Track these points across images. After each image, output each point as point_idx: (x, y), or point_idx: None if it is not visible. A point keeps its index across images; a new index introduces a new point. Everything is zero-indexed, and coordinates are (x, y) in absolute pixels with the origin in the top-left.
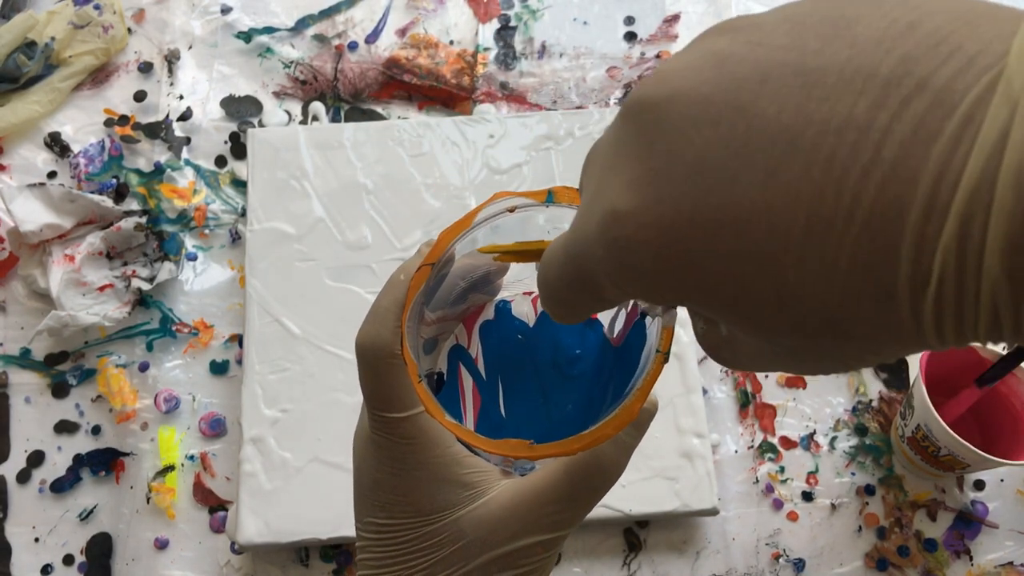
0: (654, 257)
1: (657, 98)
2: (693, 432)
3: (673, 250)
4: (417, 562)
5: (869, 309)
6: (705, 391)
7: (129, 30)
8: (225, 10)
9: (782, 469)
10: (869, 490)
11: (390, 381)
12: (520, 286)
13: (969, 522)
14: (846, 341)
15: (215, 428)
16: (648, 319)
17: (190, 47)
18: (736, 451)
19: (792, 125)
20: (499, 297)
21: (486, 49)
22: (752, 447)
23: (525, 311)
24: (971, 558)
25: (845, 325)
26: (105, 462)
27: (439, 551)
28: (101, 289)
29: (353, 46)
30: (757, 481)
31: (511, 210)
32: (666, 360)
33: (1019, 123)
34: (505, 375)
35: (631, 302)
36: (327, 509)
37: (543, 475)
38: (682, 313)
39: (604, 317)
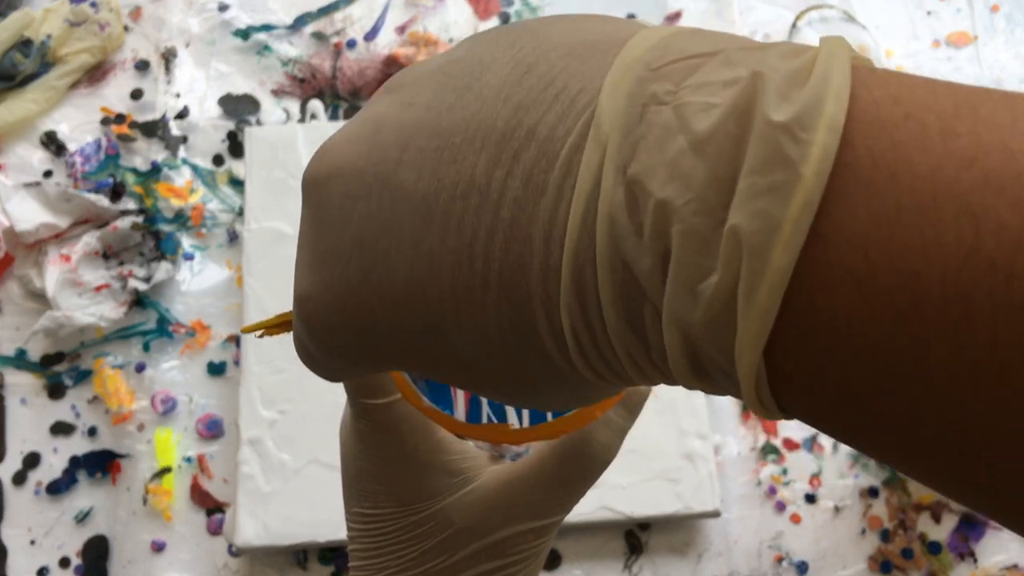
0: (336, 338)
1: (319, 177)
2: (695, 434)
3: (353, 331)
4: (405, 552)
5: (532, 365)
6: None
7: (126, 28)
8: (223, 8)
9: (785, 471)
10: (873, 492)
11: None
12: None
13: (973, 524)
14: (536, 392)
15: (212, 429)
16: None
17: (187, 45)
18: (738, 453)
19: (428, 192)
20: None
21: None
22: (755, 449)
23: None
24: (976, 560)
25: (523, 380)
26: (101, 464)
27: (427, 540)
28: (97, 289)
29: (352, 44)
30: (760, 483)
31: None
32: None
33: (608, 168)
34: None
35: None
36: (325, 511)
37: (532, 460)
38: None
39: None
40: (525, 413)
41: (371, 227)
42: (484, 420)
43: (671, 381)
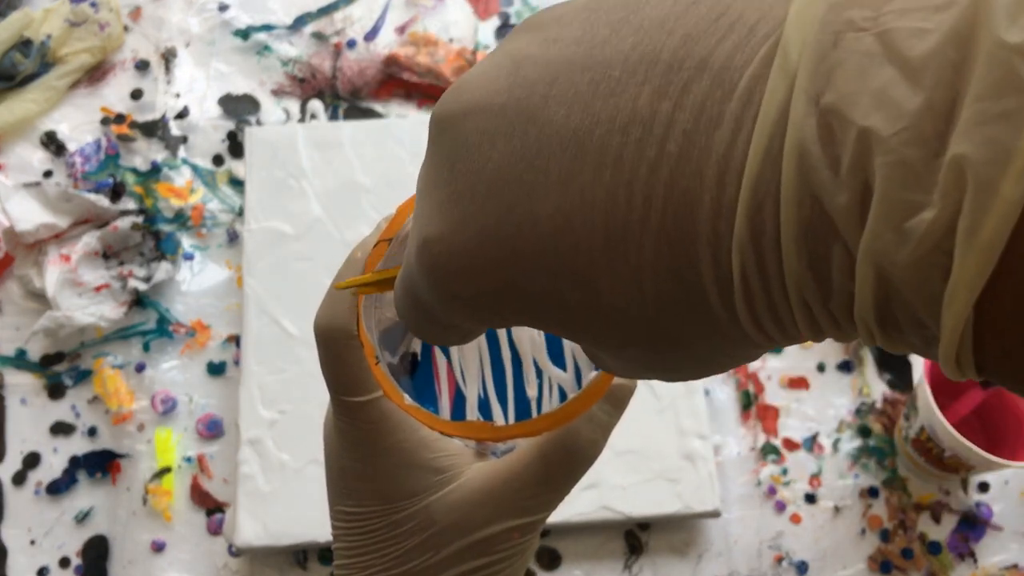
0: (467, 283)
1: (454, 114)
2: (695, 433)
3: (484, 274)
4: (388, 550)
5: (686, 314)
6: (707, 392)
7: (126, 28)
8: (223, 7)
9: (785, 471)
10: (873, 492)
11: (350, 364)
12: None
13: (974, 524)
14: (681, 349)
15: (212, 429)
16: None
17: (187, 45)
18: (738, 453)
19: (580, 127)
20: None
21: (486, 47)
22: (754, 449)
23: None
24: (976, 561)
25: (672, 332)
26: (101, 464)
27: (410, 539)
28: (97, 289)
29: (352, 44)
30: (759, 483)
31: None
32: None
33: (798, 97)
34: (482, 354)
35: None
36: (325, 511)
37: (517, 457)
38: None
39: None
40: (511, 412)
41: (513, 165)
42: (469, 418)
43: (842, 335)
